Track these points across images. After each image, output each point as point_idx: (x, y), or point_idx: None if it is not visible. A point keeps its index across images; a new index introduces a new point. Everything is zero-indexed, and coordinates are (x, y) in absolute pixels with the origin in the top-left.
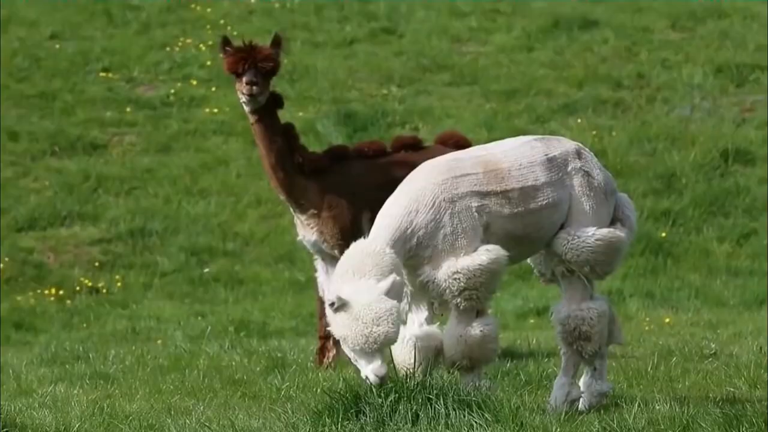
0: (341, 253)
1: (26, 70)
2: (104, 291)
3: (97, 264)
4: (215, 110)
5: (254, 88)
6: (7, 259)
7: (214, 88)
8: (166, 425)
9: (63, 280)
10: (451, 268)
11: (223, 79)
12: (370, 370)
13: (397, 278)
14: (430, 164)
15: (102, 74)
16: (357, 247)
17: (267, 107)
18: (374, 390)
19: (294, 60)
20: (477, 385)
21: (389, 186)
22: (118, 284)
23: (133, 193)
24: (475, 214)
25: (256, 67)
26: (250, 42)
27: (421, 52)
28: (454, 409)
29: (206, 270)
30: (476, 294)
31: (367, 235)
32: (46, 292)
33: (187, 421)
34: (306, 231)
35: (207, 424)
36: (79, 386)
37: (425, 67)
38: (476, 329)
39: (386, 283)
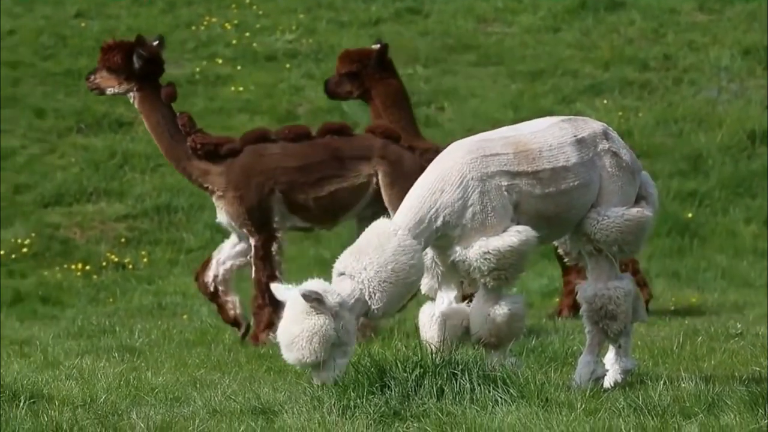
0: (250, 232)
1: (52, 48)
2: (130, 267)
3: (123, 240)
4: (240, 89)
5: (87, 82)
6: (33, 234)
7: (239, 67)
8: (192, 397)
9: (89, 255)
10: (482, 248)
11: (248, 57)
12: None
13: (341, 287)
14: (458, 144)
15: None
16: (375, 224)
17: (153, 101)
18: (400, 365)
19: (319, 39)
20: (503, 361)
21: (305, 169)
22: (144, 260)
23: (159, 170)
24: (505, 193)
25: (102, 63)
26: (112, 40)
27: (446, 32)
28: (479, 385)
29: None
30: (505, 274)
31: (279, 220)
32: (73, 267)
33: (213, 394)
34: (220, 213)
35: (233, 397)
36: (105, 359)
37: (451, 47)
38: (503, 308)
39: (313, 290)
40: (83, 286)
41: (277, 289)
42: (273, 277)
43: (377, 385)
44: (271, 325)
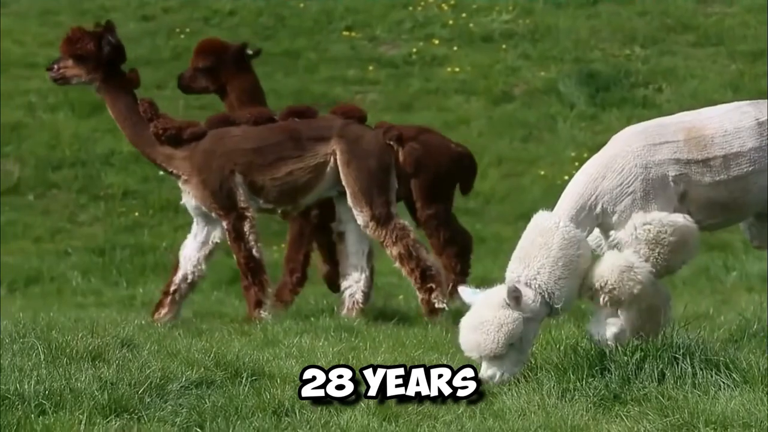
0: (219, 216)
1: (271, 29)
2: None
3: None
4: (456, 69)
5: (49, 72)
6: None
7: (455, 48)
8: None
9: None
10: (642, 219)
11: (464, 38)
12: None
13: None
14: (630, 130)
15: (345, 33)
16: (534, 222)
17: (118, 89)
18: (620, 348)
19: (536, 20)
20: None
21: (262, 150)
22: None
23: None
24: (671, 183)
25: (66, 52)
26: (77, 28)
27: (665, 12)
28: (701, 369)
29: None
30: (662, 251)
31: (243, 198)
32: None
33: None
34: (186, 197)
35: None
36: (324, 338)
37: (669, 27)
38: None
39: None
40: None
41: (464, 291)
42: (251, 257)
43: (597, 368)
44: (260, 303)
